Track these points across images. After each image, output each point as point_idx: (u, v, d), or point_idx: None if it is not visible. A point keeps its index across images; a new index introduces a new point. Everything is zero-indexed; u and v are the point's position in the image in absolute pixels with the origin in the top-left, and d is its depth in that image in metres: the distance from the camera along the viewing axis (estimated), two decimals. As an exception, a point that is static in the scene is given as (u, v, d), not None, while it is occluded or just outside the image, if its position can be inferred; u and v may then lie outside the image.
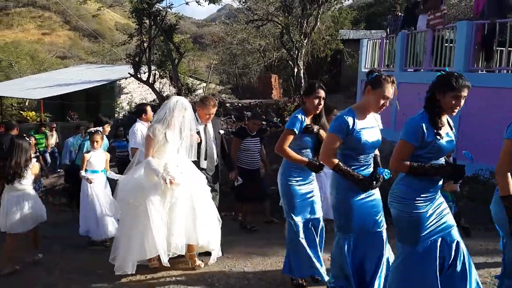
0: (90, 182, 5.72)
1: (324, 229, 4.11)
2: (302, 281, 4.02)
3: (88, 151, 5.95)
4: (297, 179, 3.97)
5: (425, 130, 2.98)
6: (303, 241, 3.90)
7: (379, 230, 3.47)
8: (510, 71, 8.86)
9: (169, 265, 4.32)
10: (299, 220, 3.93)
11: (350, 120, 3.29)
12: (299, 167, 3.92)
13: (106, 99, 22.43)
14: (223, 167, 5.82)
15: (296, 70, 15.62)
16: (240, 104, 15.28)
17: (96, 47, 49.03)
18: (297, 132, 3.86)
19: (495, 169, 3.06)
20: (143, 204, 4.26)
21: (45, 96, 21.42)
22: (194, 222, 4.39)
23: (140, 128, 6.31)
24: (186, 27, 49.52)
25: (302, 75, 15.70)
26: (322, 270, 3.93)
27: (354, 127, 3.29)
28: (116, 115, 19.56)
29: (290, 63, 16.52)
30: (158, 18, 15.10)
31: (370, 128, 3.39)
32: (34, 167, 5.08)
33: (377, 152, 3.57)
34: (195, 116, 4.88)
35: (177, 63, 15.97)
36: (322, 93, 3.92)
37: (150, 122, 6.65)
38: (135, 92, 22.11)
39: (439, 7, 9.21)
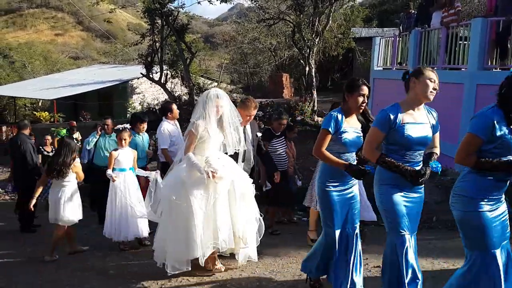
0: (113, 181, 5.56)
1: (359, 235, 3.84)
2: (318, 284, 3.93)
3: (115, 149, 5.75)
4: (335, 184, 3.69)
5: (496, 124, 2.90)
6: (339, 250, 3.67)
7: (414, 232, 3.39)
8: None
9: (222, 268, 4.40)
10: (336, 228, 3.67)
11: (392, 113, 3.26)
12: (338, 170, 3.63)
13: (118, 99, 22.59)
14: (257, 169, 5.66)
15: (307, 69, 15.55)
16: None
17: (108, 48, 49.45)
18: (332, 133, 3.56)
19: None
20: (186, 201, 4.16)
21: (58, 96, 21.64)
22: (236, 215, 4.28)
23: (167, 127, 6.37)
24: (197, 27, 49.64)
25: (313, 73, 15.62)
26: (358, 279, 3.65)
27: (397, 121, 3.24)
28: (128, 115, 19.67)
29: (302, 62, 16.45)
30: (170, 18, 15.14)
31: (417, 123, 3.30)
32: (75, 166, 5.52)
33: (437, 150, 3.47)
34: None
35: (189, 63, 16.00)
36: (366, 90, 3.65)
37: (177, 120, 6.68)
38: (147, 92, 22.23)
39: (453, 4, 9.09)
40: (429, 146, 3.44)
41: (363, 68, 22.69)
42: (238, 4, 31.68)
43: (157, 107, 16.18)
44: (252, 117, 5.14)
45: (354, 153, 3.74)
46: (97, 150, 7.38)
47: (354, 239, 3.71)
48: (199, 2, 15.70)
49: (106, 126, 7.51)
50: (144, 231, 5.66)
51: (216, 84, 24.35)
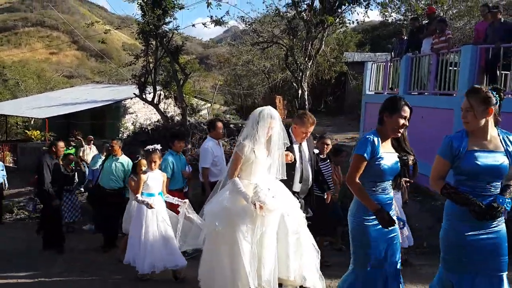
0: (151, 207, 5.04)
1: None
2: None
3: (144, 172, 5.36)
4: (373, 217, 3.20)
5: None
6: None
7: (499, 274, 2.96)
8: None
9: None
10: (373, 269, 3.21)
11: (456, 140, 2.96)
12: (374, 192, 3.25)
13: (111, 119, 22.53)
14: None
15: (300, 91, 15.65)
16: (243, 125, 15.28)
17: (103, 67, 49.67)
18: (368, 159, 3.18)
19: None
20: (230, 232, 3.81)
21: (51, 115, 21.56)
22: (287, 254, 3.88)
23: (210, 146, 6.13)
24: (192, 48, 50.08)
25: (306, 97, 15.71)
26: None
27: (461, 148, 2.93)
28: (120, 135, 19.60)
29: (295, 84, 16.57)
30: (164, 39, 15.24)
31: (486, 152, 2.93)
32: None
33: None
34: (289, 133, 4.44)
35: (182, 83, 16.04)
36: (408, 112, 3.26)
37: (219, 139, 6.45)
38: (140, 112, 22.21)
39: (443, 31, 9.25)
40: (508, 177, 3.02)
41: (355, 92, 22.90)
42: (233, 27, 32.05)
43: (149, 128, 16.13)
44: (309, 134, 4.74)
45: (391, 181, 3.36)
46: (104, 172, 7.19)
47: (397, 278, 3.28)
48: (193, 25, 15.90)
49: (111, 147, 7.24)
50: (180, 262, 5.09)
51: (209, 105, 24.42)
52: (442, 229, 3.09)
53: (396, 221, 3.29)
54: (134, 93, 16.54)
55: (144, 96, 16.07)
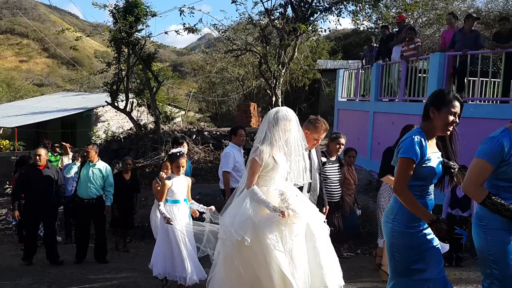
0: (169, 223, 4.66)
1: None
2: None
3: (168, 177, 4.97)
4: (419, 222, 2.88)
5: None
6: None
7: None
8: (481, 101, 9.08)
9: None
10: (417, 282, 2.89)
11: (506, 141, 2.68)
12: (419, 196, 2.90)
13: (82, 128, 22.14)
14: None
15: (274, 99, 15.71)
16: (218, 133, 15.22)
17: (74, 75, 48.84)
18: (416, 162, 2.81)
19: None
20: (257, 245, 3.46)
21: (20, 124, 21.07)
22: (318, 263, 3.54)
23: (232, 151, 6.04)
24: (166, 56, 49.79)
25: (280, 104, 15.78)
26: None
27: (511, 152, 2.67)
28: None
29: (269, 92, 16.63)
30: (137, 46, 15.10)
31: None
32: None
33: None
34: None
35: (156, 91, 15.91)
36: (458, 107, 2.88)
37: (241, 145, 6.21)
38: (112, 120, 21.91)
39: (412, 39, 9.45)
40: None
41: (329, 99, 23.17)
42: (207, 34, 32.04)
43: (122, 136, 15.91)
44: (320, 141, 4.46)
45: (433, 185, 3.03)
46: (81, 181, 6.75)
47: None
48: (166, 32, 15.76)
49: (87, 153, 6.79)
50: (196, 276, 4.75)
51: (183, 112, 24.27)
52: (482, 240, 2.78)
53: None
54: (106, 101, 16.30)
55: (116, 104, 15.86)
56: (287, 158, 3.70)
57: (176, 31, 14.06)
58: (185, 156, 4.99)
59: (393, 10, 19.53)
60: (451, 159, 3.02)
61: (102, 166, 6.88)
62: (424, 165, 2.84)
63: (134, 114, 17.14)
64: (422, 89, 9.10)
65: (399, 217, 2.91)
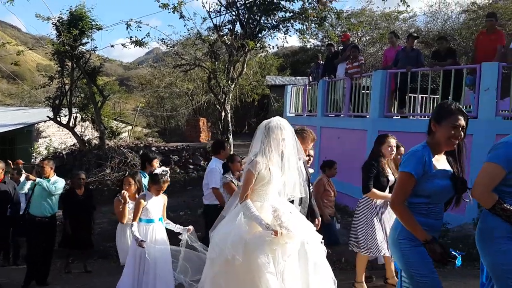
0: (141, 246, 4.30)
1: None
2: None
3: (143, 196, 4.63)
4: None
5: None
6: None
7: None
8: (422, 117, 9.50)
9: None
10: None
11: None
12: (425, 216, 2.76)
13: (22, 144, 21.08)
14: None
15: (223, 113, 15.71)
16: (167, 148, 14.99)
17: (14, 89, 46.66)
18: (416, 177, 2.69)
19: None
20: (245, 264, 3.23)
21: (-47, 140, 19.74)
22: (308, 284, 3.33)
23: (218, 166, 5.92)
24: (112, 70, 48.65)
25: (229, 119, 15.81)
26: None
27: None
28: (32, 160, 18.38)
29: (218, 107, 16.63)
30: (81, 60, 14.69)
31: None
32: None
33: None
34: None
35: (101, 106, 15.50)
36: (462, 120, 2.71)
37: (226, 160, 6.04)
38: (54, 136, 21.04)
39: (356, 57, 9.77)
40: None
41: (277, 114, 23.49)
42: (155, 48, 31.69)
43: (64, 152, 15.31)
44: (308, 151, 4.34)
45: (443, 204, 2.86)
46: (34, 197, 6.27)
47: None
48: (112, 46, 15.48)
49: (42, 169, 6.35)
50: None
51: (130, 127, 23.75)
52: (491, 250, 2.65)
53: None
54: (48, 116, 15.69)
55: (58, 119, 15.28)
56: (283, 170, 3.51)
57: (122, 45, 13.81)
58: (168, 179, 4.64)
59: (338, 29, 20.22)
60: (458, 176, 2.82)
61: (58, 181, 6.37)
62: (429, 180, 2.71)
63: (78, 129, 16.60)
64: (366, 105, 9.40)
65: (404, 233, 2.77)
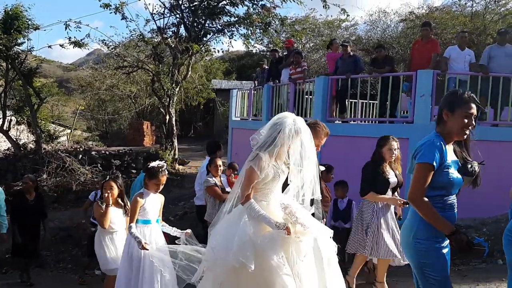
0: (143, 248, 3.97)
1: None
2: None
3: (141, 194, 4.27)
4: (438, 234, 2.68)
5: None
6: None
7: None
8: (362, 121, 9.83)
9: None
10: None
11: None
12: (441, 209, 2.68)
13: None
14: None
15: (168, 117, 15.49)
16: (108, 152, 14.52)
17: None
18: (435, 168, 2.60)
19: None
20: (257, 269, 2.91)
21: None
22: (324, 286, 3.09)
23: None
24: (50, 71, 46.58)
25: (174, 122, 15.61)
26: None
27: None
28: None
29: (162, 110, 16.37)
30: (16, 61, 13.96)
31: None
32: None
33: None
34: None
35: (37, 108, 14.79)
36: (474, 109, 2.67)
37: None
38: (-14, 140, 19.84)
39: (299, 62, 9.95)
40: None
41: (223, 118, 23.48)
42: (96, 50, 30.71)
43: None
44: (320, 147, 4.06)
45: (455, 196, 2.79)
46: None
47: None
48: (49, 46, 14.81)
49: None
50: None
51: (69, 131, 22.83)
52: None
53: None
54: (-21, 119, 14.75)
55: (-9, 122, 14.42)
56: (298, 170, 3.22)
57: (61, 45, 13.27)
58: (166, 172, 4.32)
59: (282, 35, 20.54)
60: (470, 161, 2.77)
61: None
62: (445, 171, 2.64)
63: (13, 133, 15.76)
64: (309, 110, 9.59)
65: (421, 232, 2.68)
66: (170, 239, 4.41)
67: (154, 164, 4.29)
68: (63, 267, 7.73)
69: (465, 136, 2.72)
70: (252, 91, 12.47)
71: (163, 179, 4.25)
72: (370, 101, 10.41)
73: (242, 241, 2.98)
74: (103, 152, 14.45)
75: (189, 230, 4.19)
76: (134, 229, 4.07)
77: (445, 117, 2.69)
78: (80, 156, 13.71)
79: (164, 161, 4.50)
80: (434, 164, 2.58)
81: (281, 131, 3.15)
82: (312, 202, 3.74)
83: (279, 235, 2.95)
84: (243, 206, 3.11)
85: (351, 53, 9.42)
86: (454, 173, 2.66)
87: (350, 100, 9.38)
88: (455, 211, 2.77)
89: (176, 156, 15.84)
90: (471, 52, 8.30)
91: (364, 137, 8.28)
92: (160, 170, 4.23)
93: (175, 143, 15.91)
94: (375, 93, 10.81)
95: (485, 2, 20.55)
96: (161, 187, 4.30)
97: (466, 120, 2.64)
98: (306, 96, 9.74)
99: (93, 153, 14.09)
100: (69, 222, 9.70)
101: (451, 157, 2.70)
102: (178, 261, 3.90)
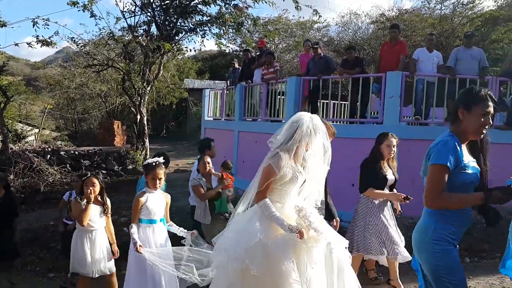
0: (137, 251, 3.88)
1: None
2: None
3: (143, 192, 4.20)
4: (454, 236, 2.61)
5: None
6: None
7: None
8: (334, 122, 9.95)
9: None
10: None
11: None
12: (456, 216, 2.60)
13: None
14: None
15: (139, 117, 15.28)
16: (77, 152, 14.22)
17: None
18: (451, 169, 2.51)
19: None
20: (267, 273, 2.85)
21: None
22: None
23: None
24: (18, 69, 45.32)
25: (145, 122, 15.42)
26: None
27: None
28: None
29: (133, 109, 16.14)
30: (-20, 57, 13.57)
31: None
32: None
33: None
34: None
35: (4, 107, 14.35)
36: (491, 108, 2.56)
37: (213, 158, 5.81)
38: (-51, 139, 19.13)
39: (272, 63, 10.00)
40: None
41: (196, 118, 23.36)
42: (65, 48, 30.03)
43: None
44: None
45: None
46: None
47: None
48: (16, 44, 14.42)
49: None
50: None
51: (37, 130, 22.26)
52: None
53: None
54: None
55: (-46, 121, 13.89)
56: (306, 170, 3.16)
57: (28, 43, 12.90)
58: (163, 167, 4.28)
59: (255, 35, 20.59)
60: (481, 166, 2.66)
61: None
62: (462, 172, 2.55)
63: (-24, 132, 15.24)
64: (281, 110, 9.64)
65: (438, 233, 2.60)
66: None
67: (150, 160, 4.30)
68: (31, 269, 7.51)
69: (482, 136, 2.62)
70: (225, 91, 12.45)
71: (160, 172, 4.19)
72: (341, 102, 10.55)
73: (251, 242, 2.91)
74: (72, 152, 14.14)
75: (195, 231, 4.18)
76: (133, 229, 4.03)
77: (460, 115, 2.60)
78: (49, 156, 13.37)
79: (162, 158, 4.45)
80: (449, 165, 2.49)
81: (298, 127, 3.13)
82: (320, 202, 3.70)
83: (292, 238, 2.86)
84: (257, 204, 3.05)
85: (322, 54, 9.51)
86: (471, 174, 2.57)
87: (322, 100, 9.47)
88: (470, 211, 2.69)
89: (148, 157, 15.65)
90: (439, 54, 8.51)
91: (335, 138, 8.36)
92: (155, 164, 4.18)
93: (147, 143, 15.72)
94: (346, 94, 10.97)
95: (453, 5, 21.13)
96: (160, 182, 4.23)
97: (483, 119, 2.55)
98: (279, 97, 9.80)
99: (62, 153, 13.77)
100: (37, 224, 9.45)
101: (467, 157, 2.61)
102: (183, 263, 3.83)
